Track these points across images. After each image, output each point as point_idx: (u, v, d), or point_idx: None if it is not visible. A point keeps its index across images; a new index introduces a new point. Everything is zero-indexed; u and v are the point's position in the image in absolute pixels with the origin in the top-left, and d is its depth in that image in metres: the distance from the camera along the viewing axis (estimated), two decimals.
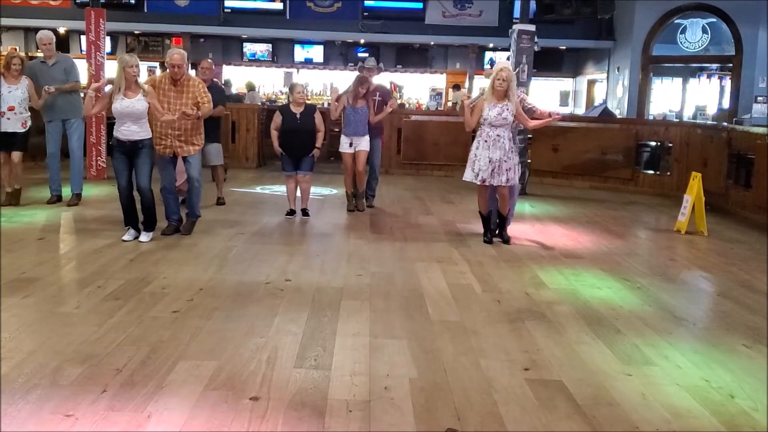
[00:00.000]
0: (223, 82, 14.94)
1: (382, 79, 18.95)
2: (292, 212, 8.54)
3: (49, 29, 9.55)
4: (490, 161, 7.16)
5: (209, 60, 9.35)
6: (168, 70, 7.16)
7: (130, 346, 4.15)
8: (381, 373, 3.87)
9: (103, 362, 3.90)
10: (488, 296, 5.51)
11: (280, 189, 9.87)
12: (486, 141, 7.19)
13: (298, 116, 8.28)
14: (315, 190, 9.95)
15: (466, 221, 8.61)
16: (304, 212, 8.56)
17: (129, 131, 6.70)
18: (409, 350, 4.26)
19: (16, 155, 8.45)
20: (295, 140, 8.31)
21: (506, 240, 7.47)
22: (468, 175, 7.34)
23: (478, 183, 7.29)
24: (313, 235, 7.75)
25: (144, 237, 6.91)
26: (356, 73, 9.28)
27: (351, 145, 8.97)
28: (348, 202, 9.21)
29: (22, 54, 8.86)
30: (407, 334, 4.54)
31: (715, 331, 4.94)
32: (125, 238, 6.87)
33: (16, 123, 8.37)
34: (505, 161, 7.18)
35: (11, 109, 8.30)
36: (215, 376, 3.76)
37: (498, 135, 7.18)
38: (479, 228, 7.78)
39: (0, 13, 16.06)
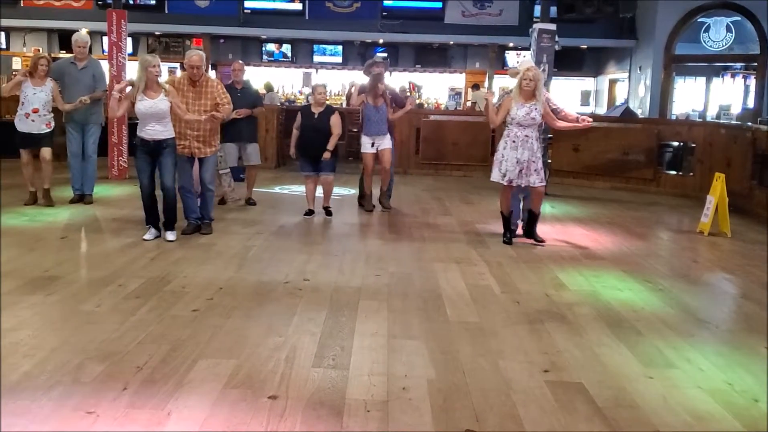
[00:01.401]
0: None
1: (401, 79, 19.09)
2: (310, 212, 8.55)
3: (71, 30, 9.63)
4: (517, 162, 7.11)
5: (240, 62, 9.40)
6: (186, 71, 7.20)
7: (150, 344, 4.18)
8: (399, 374, 3.87)
9: (124, 360, 3.92)
10: (507, 297, 5.49)
11: (299, 189, 9.88)
12: (514, 141, 7.13)
13: (316, 116, 8.29)
14: (336, 190, 9.95)
15: (486, 222, 8.58)
16: (327, 211, 8.56)
17: (153, 131, 6.74)
18: (427, 351, 4.25)
19: (46, 151, 8.50)
20: (311, 140, 8.33)
21: (539, 241, 7.42)
22: (495, 176, 7.27)
23: (505, 183, 7.25)
24: (331, 235, 7.76)
25: (170, 236, 6.94)
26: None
27: (373, 145, 8.97)
28: (367, 202, 9.20)
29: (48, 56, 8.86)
30: (425, 335, 4.53)
31: (738, 334, 4.89)
32: (146, 237, 6.91)
33: (41, 124, 8.42)
34: (533, 162, 7.14)
35: (35, 111, 8.35)
36: (234, 375, 3.77)
37: (526, 135, 7.13)
38: (498, 228, 7.75)
39: (0, 13, 16.18)
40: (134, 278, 5.57)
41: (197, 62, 7.12)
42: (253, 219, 8.26)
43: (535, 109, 7.12)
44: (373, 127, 8.92)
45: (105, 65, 10.49)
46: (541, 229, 8.01)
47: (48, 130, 8.51)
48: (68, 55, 9.01)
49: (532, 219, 7.52)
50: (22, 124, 8.40)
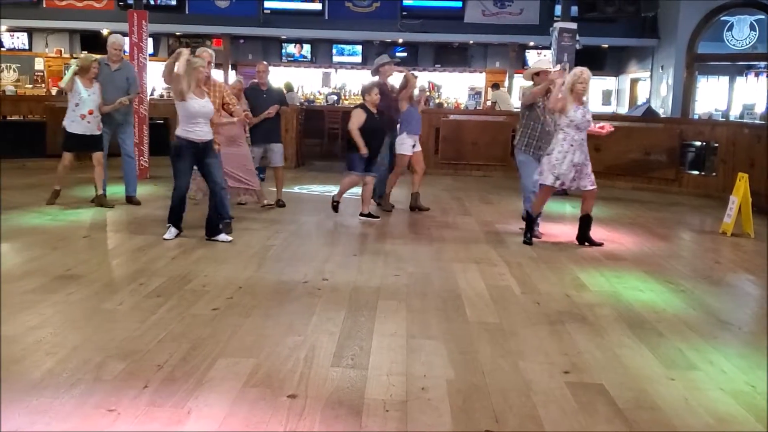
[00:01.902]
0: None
1: (420, 78, 19.06)
2: (372, 215, 8.46)
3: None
4: (573, 165, 7.08)
5: (264, 62, 9.45)
6: None
7: (171, 342, 4.20)
8: (418, 374, 3.86)
9: (144, 358, 3.95)
10: (527, 298, 5.46)
11: (318, 189, 9.93)
12: (572, 145, 7.07)
13: (376, 116, 8.29)
14: (352, 190, 9.95)
15: (505, 222, 8.55)
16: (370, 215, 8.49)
17: (202, 132, 6.80)
18: (446, 351, 4.24)
19: (99, 155, 8.55)
20: (374, 140, 8.32)
21: (597, 243, 7.35)
22: (549, 180, 7.14)
23: (557, 186, 7.21)
24: (350, 235, 7.76)
25: (227, 237, 6.98)
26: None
27: (414, 145, 9.00)
28: (386, 203, 9.18)
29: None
30: (444, 335, 4.52)
31: (760, 336, 4.83)
32: (167, 236, 6.94)
33: (94, 126, 8.45)
34: (586, 165, 7.14)
35: (90, 113, 8.37)
36: (254, 374, 3.79)
37: (582, 138, 7.12)
38: (518, 228, 7.71)
39: (0, 13, 16.33)
40: (155, 277, 5.61)
41: (207, 59, 7.22)
42: (272, 218, 8.28)
43: (588, 111, 7.14)
44: (416, 125, 8.96)
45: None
46: (561, 229, 8.00)
47: (99, 133, 8.55)
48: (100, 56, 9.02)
49: (587, 223, 7.41)
50: (76, 126, 8.37)
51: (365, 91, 8.50)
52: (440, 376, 3.85)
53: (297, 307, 5.02)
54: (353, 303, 5.13)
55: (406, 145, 8.98)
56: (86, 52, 19.81)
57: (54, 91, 18.61)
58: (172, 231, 7.00)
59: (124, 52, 9.38)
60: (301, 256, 6.57)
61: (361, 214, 8.37)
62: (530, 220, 7.47)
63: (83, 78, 8.35)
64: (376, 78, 9.10)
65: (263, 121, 8.63)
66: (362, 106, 8.31)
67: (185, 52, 6.74)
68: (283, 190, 9.31)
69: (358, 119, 8.19)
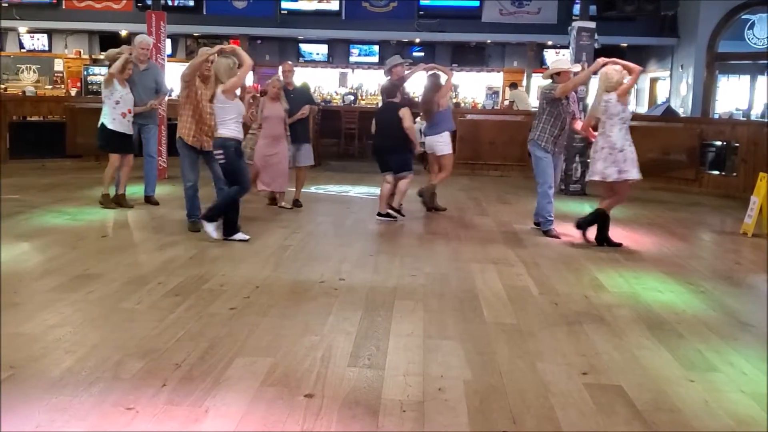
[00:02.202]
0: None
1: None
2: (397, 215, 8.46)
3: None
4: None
5: (290, 62, 9.47)
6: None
7: (189, 341, 4.22)
8: (435, 374, 3.85)
9: (163, 357, 3.97)
10: (545, 298, 5.44)
11: (335, 189, 9.94)
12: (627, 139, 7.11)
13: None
14: (371, 190, 9.98)
15: (523, 222, 8.52)
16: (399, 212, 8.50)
17: (238, 130, 6.89)
18: (463, 352, 4.23)
19: (132, 157, 8.61)
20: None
21: (616, 244, 7.32)
22: (635, 174, 7.09)
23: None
24: (367, 235, 7.76)
25: (243, 236, 7.00)
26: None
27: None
28: (434, 202, 9.23)
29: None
30: (461, 336, 4.51)
31: None
32: (215, 235, 6.96)
33: (130, 125, 8.47)
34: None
35: (129, 111, 8.40)
36: (271, 373, 3.79)
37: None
38: (536, 228, 7.69)
39: (0, 15, 16.45)
40: (173, 276, 5.63)
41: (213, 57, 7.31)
42: (289, 218, 8.30)
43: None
44: (450, 123, 9.03)
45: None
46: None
47: (131, 133, 8.57)
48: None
49: (606, 222, 7.38)
50: (118, 124, 8.32)
51: (384, 89, 8.57)
52: (457, 377, 3.83)
53: (314, 306, 5.02)
54: (370, 303, 5.13)
55: (449, 144, 9.04)
56: (105, 53, 20.06)
57: (73, 92, 18.82)
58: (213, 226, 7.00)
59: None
60: (318, 256, 6.58)
61: (379, 214, 8.37)
62: (606, 219, 7.34)
63: (119, 77, 8.30)
64: (388, 78, 9.13)
65: (293, 122, 8.69)
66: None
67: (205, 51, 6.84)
68: (301, 190, 9.32)
69: (411, 117, 8.22)
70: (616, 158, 7.00)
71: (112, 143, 8.40)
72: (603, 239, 7.30)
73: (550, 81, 7.89)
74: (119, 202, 8.58)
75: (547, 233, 7.71)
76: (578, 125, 7.87)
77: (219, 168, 7.18)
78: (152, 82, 8.84)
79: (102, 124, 8.33)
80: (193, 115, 7.29)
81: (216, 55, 6.96)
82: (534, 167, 7.86)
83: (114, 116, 8.28)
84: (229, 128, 6.79)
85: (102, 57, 20.08)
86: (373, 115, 8.94)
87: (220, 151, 6.82)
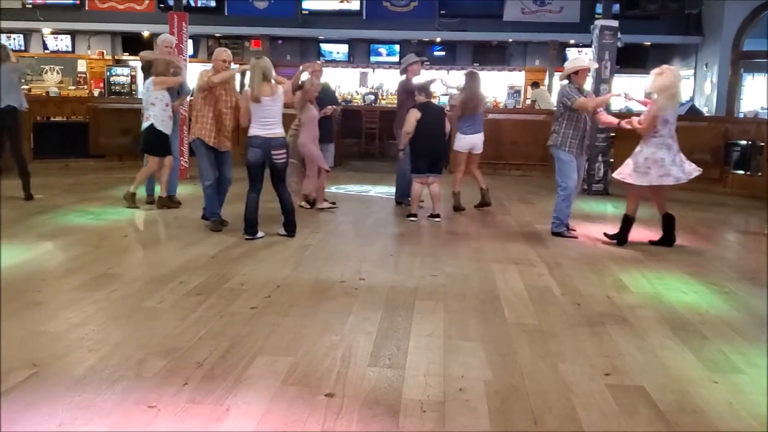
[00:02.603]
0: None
1: (458, 77, 18.97)
2: (415, 216, 8.45)
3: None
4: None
5: (318, 62, 9.51)
6: (216, 67, 7.39)
7: (210, 340, 4.24)
8: (456, 375, 3.84)
9: (184, 356, 3.99)
10: (567, 299, 5.40)
11: (355, 189, 9.95)
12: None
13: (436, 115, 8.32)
14: (391, 190, 9.96)
15: (545, 222, 8.44)
16: (437, 215, 8.49)
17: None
18: (484, 352, 4.21)
19: (171, 159, 8.70)
20: (432, 140, 8.34)
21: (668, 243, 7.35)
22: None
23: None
24: (387, 235, 7.75)
25: (261, 234, 7.13)
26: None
27: None
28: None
29: None
30: (482, 336, 4.49)
31: None
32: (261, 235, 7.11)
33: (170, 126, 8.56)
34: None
35: (173, 112, 8.51)
36: (291, 372, 3.80)
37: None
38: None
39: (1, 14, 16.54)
40: (195, 276, 5.66)
41: (230, 57, 7.47)
42: (309, 218, 8.31)
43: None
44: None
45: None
46: (602, 229, 7.88)
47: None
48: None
49: (672, 222, 7.43)
50: (166, 126, 8.37)
51: (425, 89, 8.46)
52: (478, 377, 3.82)
53: (334, 306, 5.03)
54: (390, 303, 5.12)
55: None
56: (127, 54, 20.25)
57: (96, 92, 18.98)
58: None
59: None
60: (338, 255, 6.58)
61: (432, 215, 8.42)
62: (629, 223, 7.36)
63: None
64: (404, 77, 9.14)
65: (321, 122, 8.72)
66: (420, 105, 8.31)
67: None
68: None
69: (412, 120, 8.20)
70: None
71: (158, 146, 8.45)
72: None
73: (567, 81, 7.80)
74: (167, 204, 8.61)
75: (557, 235, 7.66)
76: (607, 118, 7.72)
77: (230, 171, 7.46)
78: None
79: (151, 125, 8.30)
80: (213, 116, 7.34)
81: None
82: (557, 170, 7.81)
83: (163, 118, 8.32)
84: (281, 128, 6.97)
85: (125, 58, 20.27)
86: (392, 115, 8.92)
87: (283, 152, 6.97)
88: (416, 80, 9.20)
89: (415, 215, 8.37)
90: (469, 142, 9.17)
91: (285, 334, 4.40)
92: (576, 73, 7.60)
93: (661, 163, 7.02)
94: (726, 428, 3.35)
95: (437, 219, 8.38)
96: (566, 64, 8.11)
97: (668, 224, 7.35)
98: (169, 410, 3.31)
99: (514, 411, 3.44)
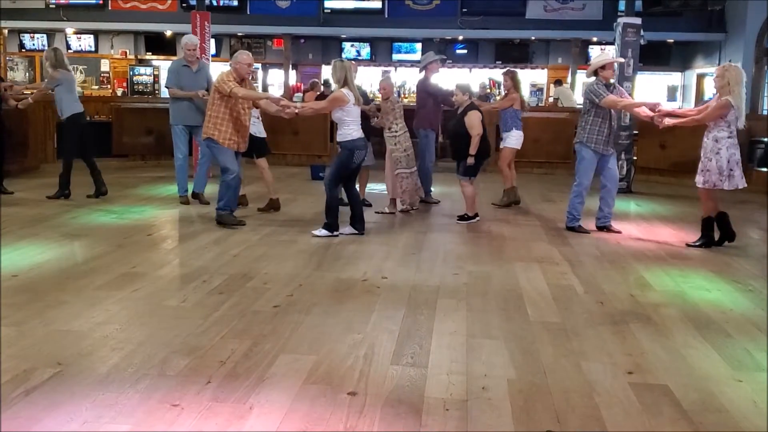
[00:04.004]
0: (322, 83, 15.16)
1: (481, 75, 18.93)
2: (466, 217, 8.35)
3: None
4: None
5: (353, 62, 9.53)
6: (239, 69, 7.45)
7: (233, 339, 4.26)
8: (478, 373, 3.83)
9: (207, 354, 4.01)
10: (590, 297, 5.37)
11: (378, 187, 9.92)
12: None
13: (456, 117, 8.21)
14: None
15: None
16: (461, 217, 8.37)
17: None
18: (507, 351, 4.20)
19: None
20: (450, 142, 8.37)
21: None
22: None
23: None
24: (409, 234, 7.73)
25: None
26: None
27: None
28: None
29: None
30: (505, 335, 4.48)
31: None
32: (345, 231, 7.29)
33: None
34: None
35: None
36: (314, 370, 3.81)
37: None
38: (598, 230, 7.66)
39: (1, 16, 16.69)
40: (218, 275, 5.69)
41: (252, 60, 7.66)
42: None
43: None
44: None
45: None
46: (625, 228, 7.85)
47: None
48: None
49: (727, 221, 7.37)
50: (257, 128, 8.44)
51: (468, 90, 8.30)
52: (501, 376, 3.81)
53: (356, 304, 5.03)
54: (412, 301, 5.12)
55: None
56: (150, 54, 20.40)
57: (119, 92, 19.14)
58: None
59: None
60: (360, 254, 6.58)
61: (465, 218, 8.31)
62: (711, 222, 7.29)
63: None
64: (423, 75, 9.12)
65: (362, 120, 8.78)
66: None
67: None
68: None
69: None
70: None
71: (256, 148, 8.49)
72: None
73: (594, 77, 7.71)
74: (200, 199, 8.80)
75: (571, 229, 7.71)
76: (647, 113, 7.59)
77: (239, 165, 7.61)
78: (204, 82, 8.89)
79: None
80: (230, 119, 7.39)
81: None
82: (576, 165, 7.83)
83: (253, 122, 8.29)
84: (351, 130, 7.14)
85: (148, 57, 20.41)
86: (413, 113, 8.90)
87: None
88: (434, 79, 9.22)
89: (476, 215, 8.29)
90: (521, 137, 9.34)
91: (308, 333, 4.41)
92: (603, 68, 7.54)
93: (740, 164, 6.98)
94: (750, 427, 3.31)
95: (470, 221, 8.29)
96: (592, 60, 8.06)
97: (723, 222, 7.27)
98: (193, 409, 3.33)
99: (537, 410, 3.42)
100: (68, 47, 20.53)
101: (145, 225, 7.72)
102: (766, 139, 11.72)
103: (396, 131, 8.51)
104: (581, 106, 8.49)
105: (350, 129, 7.04)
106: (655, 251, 6.97)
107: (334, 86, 7.22)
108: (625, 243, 7.30)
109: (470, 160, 7.92)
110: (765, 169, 11.62)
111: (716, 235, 7.24)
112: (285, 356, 4.01)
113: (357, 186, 7.79)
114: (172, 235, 7.54)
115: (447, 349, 4.20)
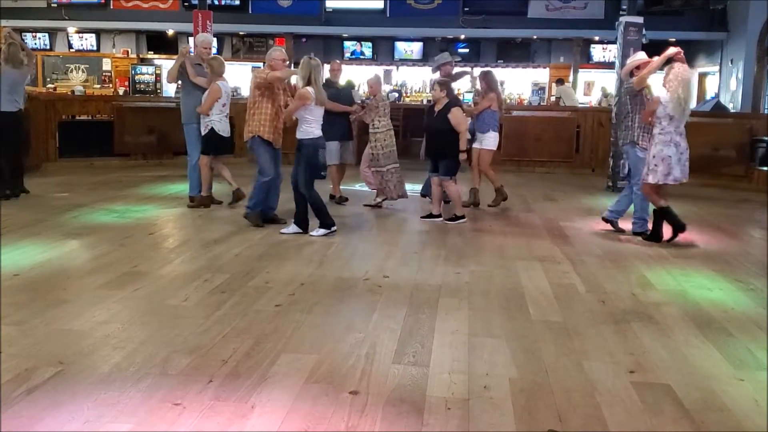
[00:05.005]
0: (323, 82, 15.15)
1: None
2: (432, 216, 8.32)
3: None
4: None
5: (338, 61, 9.55)
6: (267, 66, 7.61)
7: (235, 338, 4.26)
8: (480, 372, 3.83)
9: (209, 353, 4.01)
10: (592, 296, 5.37)
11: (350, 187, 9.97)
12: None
13: (435, 114, 8.07)
14: (415, 188, 9.93)
15: (570, 219, 8.42)
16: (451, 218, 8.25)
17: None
18: (508, 350, 4.20)
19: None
20: (429, 139, 8.31)
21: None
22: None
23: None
24: (411, 232, 7.74)
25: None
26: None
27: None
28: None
29: None
30: (507, 334, 4.48)
31: None
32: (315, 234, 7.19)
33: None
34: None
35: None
36: (316, 370, 3.81)
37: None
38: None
39: None
40: (219, 274, 5.69)
41: (285, 57, 7.70)
42: (333, 216, 8.29)
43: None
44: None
45: None
46: (627, 226, 7.82)
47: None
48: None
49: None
50: (221, 126, 8.38)
51: (447, 85, 8.27)
52: (503, 375, 3.81)
53: (358, 304, 5.04)
54: (414, 300, 5.12)
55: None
56: (152, 53, 20.40)
57: (121, 91, 19.13)
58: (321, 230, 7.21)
59: (190, 51, 9.46)
60: (362, 253, 6.59)
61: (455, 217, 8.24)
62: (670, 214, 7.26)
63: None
64: (437, 75, 9.09)
65: (341, 118, 8.79)
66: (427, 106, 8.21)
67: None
68: (342, 187, 9.39)
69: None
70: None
71: (218, 146, 8.52)
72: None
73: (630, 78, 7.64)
74: (207, 202, 8.65)
75: (637, 234, 7.48)
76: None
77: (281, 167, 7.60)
78: None
79: (211, 130, 8.30)
80: (272, 112, 7.47)
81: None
82: (632, 167, 7.65)
83: (220, 119, 8.36)
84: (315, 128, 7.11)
85: (149, 56, 20.41)
86: (414, 112, 8.91)
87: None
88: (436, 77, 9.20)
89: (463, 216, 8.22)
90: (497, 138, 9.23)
91: (309, 332, 4.41)
92: (638, 68, 7.55)
93: (668, 162, 6.96)
94: (752, 426, 3.31)
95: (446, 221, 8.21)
96: (627, 61, 8.06)
97: (660, 216, 7.25)
98: (194, 408, 3.34)
99: (538, 409, 3.42)
100: (70, 46, 20.54)
101: (146, 224, 7.71)
102: (767, 138, 11.71)
103: (378, 128, 8.62)
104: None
105: (311, 127, 7.01)
106: (656, 250, 6.96)
107: (300, 83, 7.17)
108: (626, 242, 7.29)
109: (462, 156, 7.92)
110: (766, 169, 11.61)
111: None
112: (287, 355, 4.01)
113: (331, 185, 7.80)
114: (173, 234, 7.54)
115: (449, 348, 4.20)
